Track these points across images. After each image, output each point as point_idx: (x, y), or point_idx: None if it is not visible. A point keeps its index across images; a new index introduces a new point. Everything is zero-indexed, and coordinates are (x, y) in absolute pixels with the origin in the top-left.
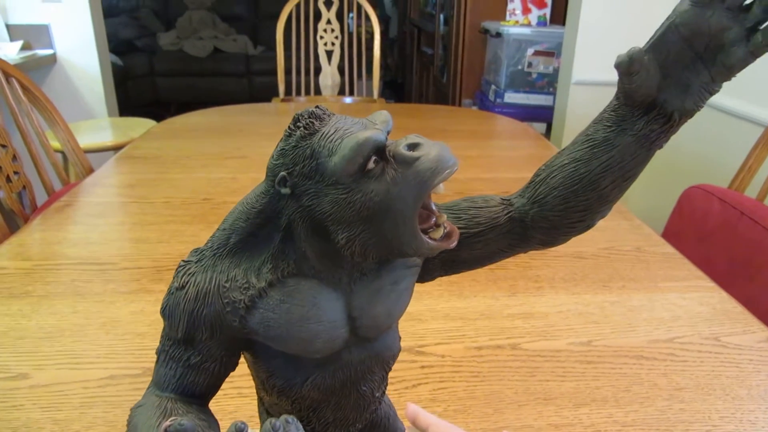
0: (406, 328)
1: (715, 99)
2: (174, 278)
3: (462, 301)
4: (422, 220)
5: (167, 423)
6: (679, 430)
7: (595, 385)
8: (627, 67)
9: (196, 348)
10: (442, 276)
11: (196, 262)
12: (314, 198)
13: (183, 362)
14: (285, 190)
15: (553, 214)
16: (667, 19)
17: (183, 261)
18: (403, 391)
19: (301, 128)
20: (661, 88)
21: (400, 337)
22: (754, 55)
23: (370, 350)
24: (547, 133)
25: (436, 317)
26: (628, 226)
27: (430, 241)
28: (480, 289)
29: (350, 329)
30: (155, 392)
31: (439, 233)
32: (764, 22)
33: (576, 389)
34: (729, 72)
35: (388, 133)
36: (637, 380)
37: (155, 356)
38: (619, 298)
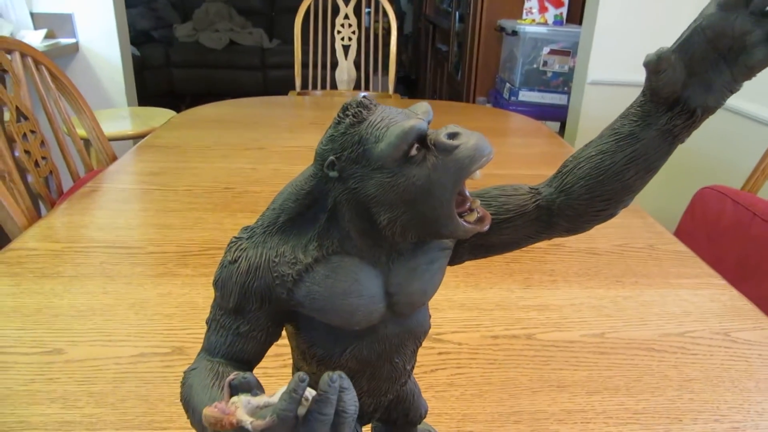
0: None
1: (731, 102)
2: (226, 253)
3: (478, 293)
4: (458, 204)
5: (231, 377)
6: (688, 419)
7: (608, 374)
8: (655, 65)
9: (245, 317)
10: (470, 260)
11: (247, 239)
12: (360, 181)
13: (233, 330)
14: (333, 174)
15: (578, 202)
16: (694, 21)
17: (234, 237)
18: (422, 375)
19: (350, 116)
20: (686, 85)
21: (430, 315)
22: None
23: (404, 326)
24: (561, 132)
25: (452, 307)
26: (642, 223)
27: (465, 224)
28: (496, 281)
29: (387, 305)
30: (206, 357)
31: (473, 217)
32: None
33: (589, 378)
34: (750, 72)
35: (429, 123)
36: (648, 371)
37: (206, 326)
38: (632, 293)
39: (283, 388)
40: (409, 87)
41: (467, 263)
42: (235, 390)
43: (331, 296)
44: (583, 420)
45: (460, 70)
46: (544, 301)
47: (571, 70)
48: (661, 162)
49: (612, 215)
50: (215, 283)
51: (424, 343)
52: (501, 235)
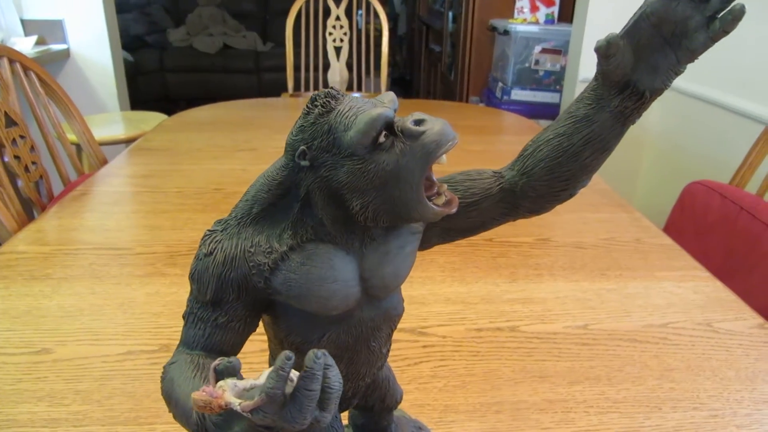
0: (410, 310)
1: (720, 97)
2: (201, 246)
3: (464, 287)
4: (426, 189)
5: (216, 362)
6: (668, 407)
7: (590, 365)
8: (605, 50)
9: (223, 309)
10: (439, 243)
11: (221, 231)
12: (331, 169)
13: (211, 322)
14: (304, 163)
15: (540, 183)
16: (640, 8)
17: (208, 230)
18: (406, 368)
19: (319, 107)
20: (634, 69)
21: (403, 299)
22: (713, 40)
23: (379, 309)
24: None
25: (438, 301)
26: (629, 218)
27: (434, 207)
28: (481, 275)
29: (362, 289)
30: (185, 351)
31: (442, 200)
32: (721, 11)
33: (571, 369)
34: (692, 54)
35: (395, 111)
36: (629, 361)
37: (182, 320)
38: (616, 285)
39: (268, 370)
40: (404, 87)
41: (453, 258)
42: (220, 375)
43: (307, 283)
44: (564, 409)
45: (454, 70)
46: (529, 295)
47: (563, 68)
48: (614, 142)
49: (571, 195)
50: (191, 276)
51: (408, 336)
52: (468, 218)
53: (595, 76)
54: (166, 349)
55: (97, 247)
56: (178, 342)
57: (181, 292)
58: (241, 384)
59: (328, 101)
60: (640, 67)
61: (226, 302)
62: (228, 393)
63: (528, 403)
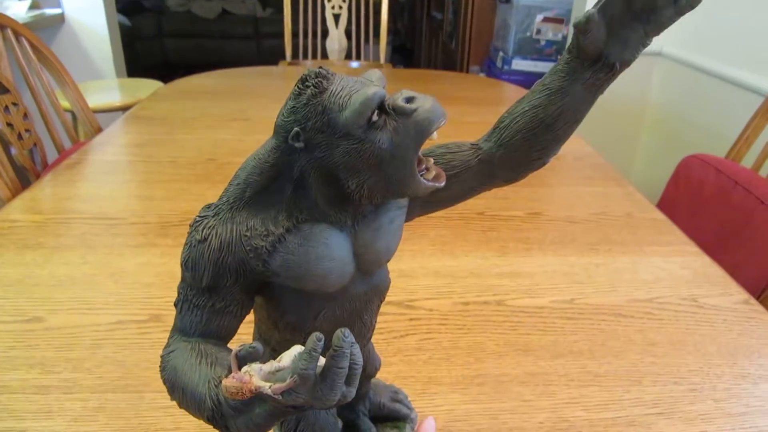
0: (398, 284)
1: (721, 68)
2: (193, 233)
3: (453, 260)
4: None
5: (237, 348)
6: (648, 381)
7: (573, 339)
8: (584, 26)
9: (219, 294)
10: (420, 215)
11: (213, 216)
12: (326, 150)
13: (208, 308)
14: (299, 144)
15: (517, 154)
16: None
17: (198, 216)
18: (392, 341)
19: (311, 87)
20: (606, 43)
21: (389, 271)
22: (678, 14)
23: (370, 283)
24: None
25: (427, 275)
26: (622, 192)
27: (425, 181)
28: (471, 249)
29: (356, 265)
30: (182, 338)
31: (431, 174)
32: None
33: (554, 342)
34: (660, 28)
35: (384, 88)
36: (613, 336)
37: (174, 308)
38: (605, 260)
39: (289, 353)
40: (405, 56)
41: (443, 232)
42: (242, 361)
43: (306, 262)
44: (545, 382)
45: (455, 38)
46: (518, 269)
47: (565, 38)
48: (585, 112)
49: (544, 164)
50: (185, 264)
51: (395, 309)
52: (449, 190)
53: (568, 49)
54: (156, 319)
55: (90, 217)
56: (168, 313)
57: (172, 263)
58: (266, 368)
59: (320, 81)
60: (611, 41)
61: (222, 287)
62: (256, 377)
63: (510, 376)
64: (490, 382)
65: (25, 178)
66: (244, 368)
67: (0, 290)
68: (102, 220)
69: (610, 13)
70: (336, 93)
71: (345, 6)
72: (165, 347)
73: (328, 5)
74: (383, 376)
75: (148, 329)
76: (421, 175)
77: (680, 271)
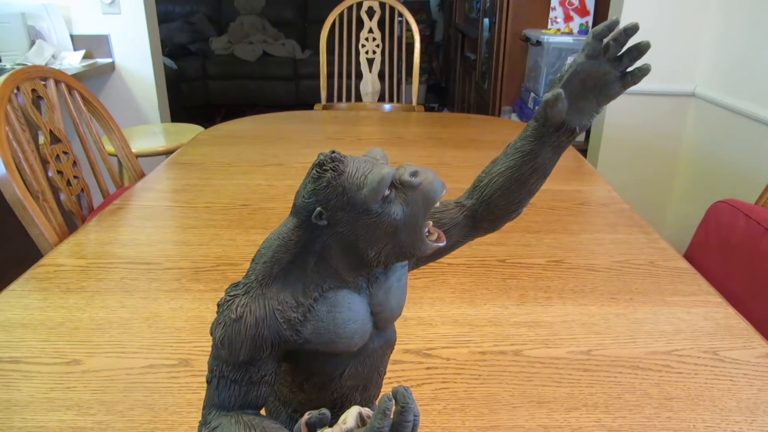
0: (417, 331)
1: (755, 110)
2: (224, 312)
3: (472, 309)
4: None
5: (306, 416)
6: None
7: (589, 391)
8: (553, 102)
9: (256, 366)
10: (414, 269)
11: (244, 294)
12: (348, 225)
13: (245, 381)
14: (322, 222)
15: (497, 208)
16: (570, 67)
17: (228, 296)
18: None
19: (329, 171)
20: (567, 113)
21: (395, 327)
22: (624, 88)
23: (384, 338)
24: (585, 142)
25: (445, 323)
26: (645, 240)
27: (431, 243)
28: (491, 297)
29: (373, 323)
30: (222, 414)
31: (434, 236)
32: (630, 67)
33: (570, 395)
34: (608, 99)
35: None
36: (629, 389)
37: (206, 383)
38: (625, 310)
39: (351, 413)
40: (439, 94)
41: (464, 279)
42: (312, 427)
43: (334, 327)
44: None
45: (487, 79)
46: (536, 318)
47: None
48: (551, 168)
49: (518, 214)
50: (220, 343)
51: (413, 358)
52: None
53: (535, 118)
54: (185, 363)
55: (128, 262)
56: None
57: (202, 308)
58: (336, 430)
59: (338, 165)
60: (571, 111)
61: (259, 359)
62: None
63: (524, 428)
64: None
65: (71, 222)
66: None
67: (44, 333)
68: (139, 264)
69: (569, 89)
70: (353, 174)
71: (378, 51)
72: (204, 424)
73: (362, 50)
74: None
75: (177, 373)
76: (427, 237)
77: (702, 322)
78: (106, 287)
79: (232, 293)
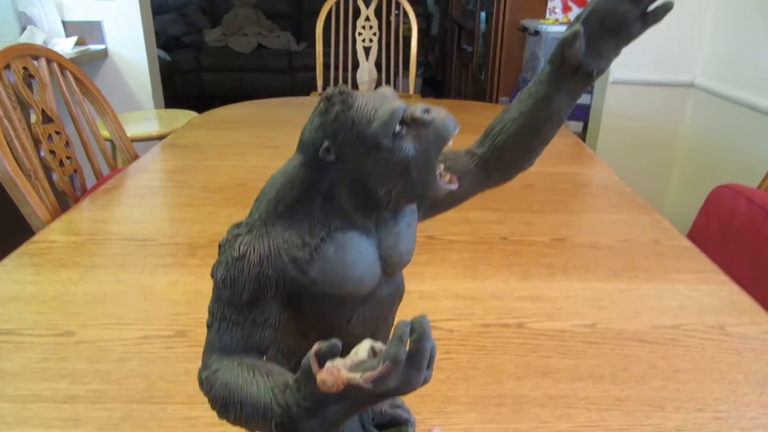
0: (419, 304)
1: (754, 99)
2: (226, 251)
3: (474, 283)
4: None
5: (315, 348)
6: (671, 407)
7: (594, 363)
8: (571, 40)
9: (260, 307)
10: (423, 219)
11: (247, 233)
12: (356, 161)
13: (249, 323)
14: (330, 157)
15: (509, 156)
16: (589, 5)
17: (231, 235)
18: None
19: (338, 104)
20: (585, 55)
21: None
22: (645, 27)
23: (392, 285)
24: (584, 131)
25: (448, 296)
26: (649, 220)
27: (444, 183)
28: (493, 272)
29: (382, 268)
30: (223, 357)
31: (447, 178)
32: (652, 4)
33: (575, 366)
34: (629, 40)
35: None
36: (636, 361)
37: (207, 328)
38: (629, 286)
39: (363, 346)
40: (436, 87)
41: (466, 255)
42: (322, 358)
43: (342, 268)
44: (565, 405)
45: (485, 70)
46: (540, 293)
47: None
48: (566, 115)
49: (531, 164)
50: (222, 282)
51: None
52: (452, 193)
53: (550, 61)
54: (181, 334)
55: (123, 238)
56: (192, 329)
57: (199, 282)
58: (348, 362)
59: (346, 98)
60: (588, 52)
61: (263, 300)
62: (344, 370)
63: (529, 398)
64: (509, 402)
65: (64, 202)
66: (328, 363)
67: (36, 305)
68: (134, 241)
69: (588, 29)
70: (362, 108)
71: (375, 39)
72: (204, 369)
73: (359, 38)
74: None
75: (173, 344)
76: (439, 179)
77: (707, 299)
78: (100, 262)
79: (234, 232)
